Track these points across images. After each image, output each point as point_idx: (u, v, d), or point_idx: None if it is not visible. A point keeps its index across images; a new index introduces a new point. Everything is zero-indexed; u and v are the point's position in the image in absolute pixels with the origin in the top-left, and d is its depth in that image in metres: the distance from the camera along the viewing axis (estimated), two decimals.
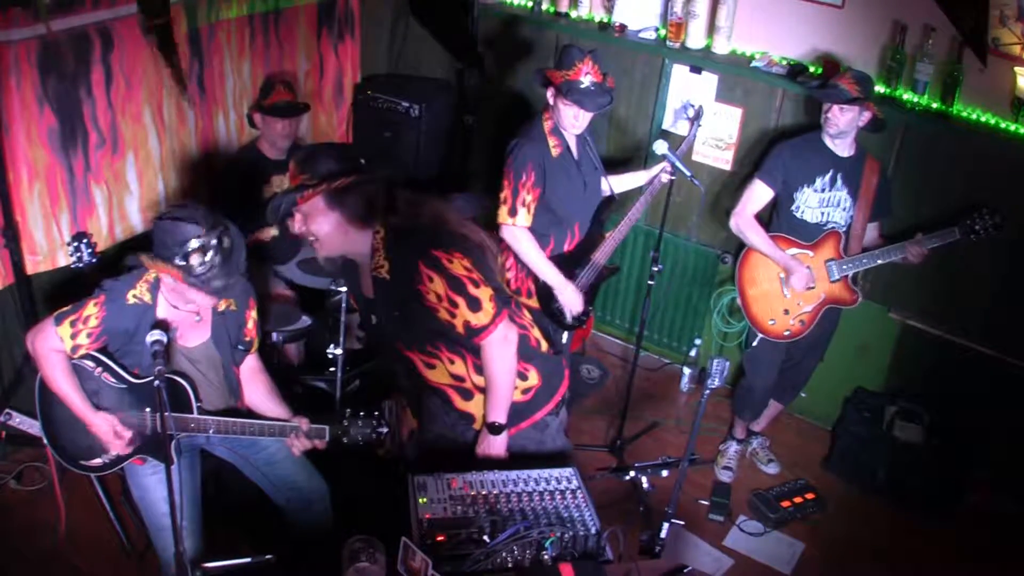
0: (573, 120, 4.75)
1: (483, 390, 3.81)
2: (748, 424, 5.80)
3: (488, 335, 3.63)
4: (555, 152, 4.82)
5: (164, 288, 3.76)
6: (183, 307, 3.80)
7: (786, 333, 5.23)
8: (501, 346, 3.68)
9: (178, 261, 3.55)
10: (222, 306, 3.99)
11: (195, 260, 3.54)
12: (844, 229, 5.06)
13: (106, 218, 5.22)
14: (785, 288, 5.15)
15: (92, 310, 3.73)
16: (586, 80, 4.62)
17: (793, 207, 5.06)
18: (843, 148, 4.95)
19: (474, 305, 3.57)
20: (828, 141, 4.94)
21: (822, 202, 5.02)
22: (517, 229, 4.85)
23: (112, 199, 5.22)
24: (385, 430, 4.02)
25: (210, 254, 3.56)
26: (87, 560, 4.70)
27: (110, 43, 4.92)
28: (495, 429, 3.82)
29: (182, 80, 5.39)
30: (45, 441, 4.08)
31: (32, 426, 4.24)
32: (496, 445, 3.86)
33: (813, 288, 5.12)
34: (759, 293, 5.23)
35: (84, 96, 4.91)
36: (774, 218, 5.22)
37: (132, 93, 5.14)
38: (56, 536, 4.71)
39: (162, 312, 3.81)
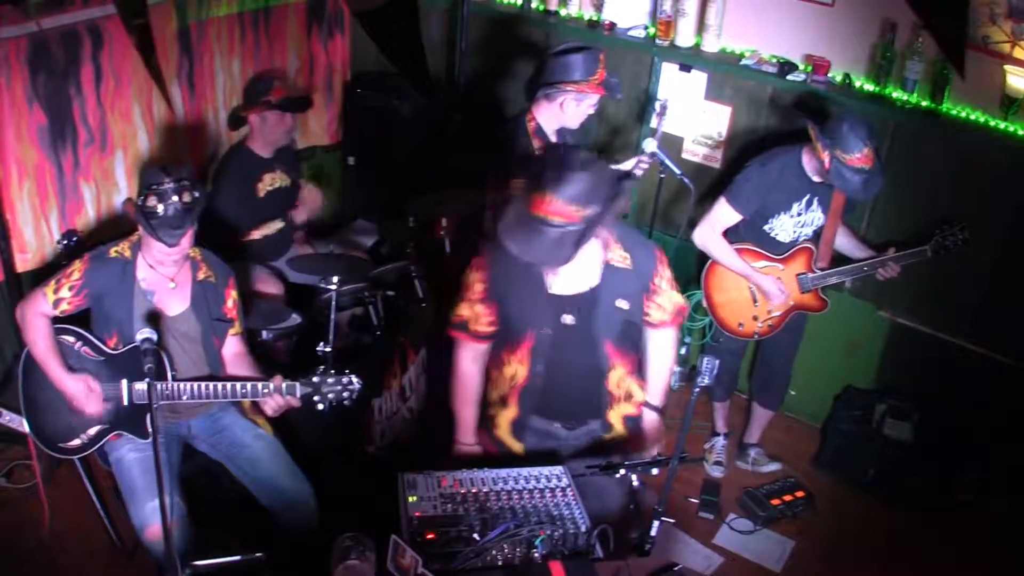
0: (585, 115, 4.82)
1: (625, 398, 4.03)
2: (724, 406, 5.80)
3: (685, 314, 4.08)
4: (539, 154, 4.81)
5: (143, 247, 3.98)
6: (159, 268, 3.99)
7: (755, 335, 5.26)
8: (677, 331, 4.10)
9: (139, 201, 3.83)
10: (200, 275, 4.16)
11: (151, 202, 3.80)
12: (813, 238, 5.06)
13: (95, 216, 5.22)
14: (755, 298, 5.15)
15: (76, 265, 3.99)
16: (605, 74, 4.72)
17: (766, 227, 5.01)
18: (820, 176, 4.83)
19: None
20: (806, 165, 4.83)
21: (796, 224, 4.98)
22: None
23: (101, 197, 5.21)
24: (357, 386, 4.05)
25: (166, 201, 3.79)
26: (77, 558, 4.69)
27: (100, 41, 4.91)
28: (663, 411, 4.07)
29: (161, 81, 5.37)
30: (27, 427, 4.20)
31: (21, 424, 4.25)
32: (662, 425, 4.17)
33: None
34: (727, 300, 5.23)
35: (74, 94, 4.90)
36: (743, 228, 5.11)
37: (122, 91, 5.14)
38: (44, 533, 4.71)
39: (141, 271, 4.01)
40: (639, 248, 3.79)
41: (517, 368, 3.91)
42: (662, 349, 4.06)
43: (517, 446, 4.06)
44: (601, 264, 3.73)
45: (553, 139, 4.92)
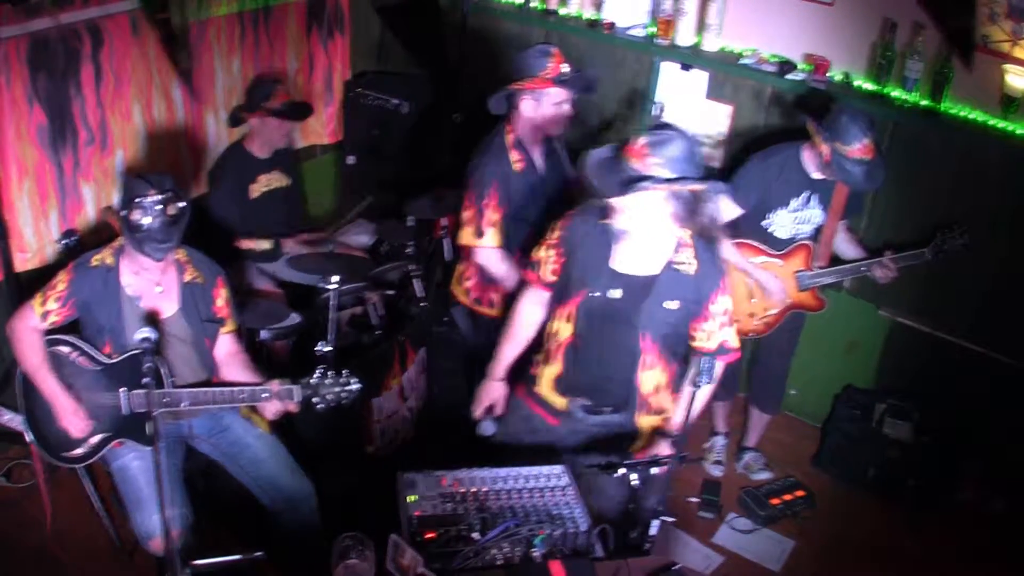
0: (563, 117, 4.67)
1: (658, 412, 4.04)
2: (724, 406, 5.77)
3: (731, 359, 4.00)
4: (517, 167, 4.71)
5: (125, 253, 3.95)
6: (143, 274, 3.96)
7: (751, 334, 5.23)
8: (722, 370, 4.00)
9: (123, 213, 3.78)
10: (187, 277, 4.12)
11: (135, 216, 3.75)
12: (812, 236, 5.06)
13: (95, 215, 5.22)
14: (752, 294, 5.14)
15: (61, 277, 3.95)
16: (566, 68, 4.57)
17: (765, 223, 5.00)
18: (820, 173, 4.83)
19: (736, 332, 3.94)
20: (806, 161, 4.83)
21: (795, 220, 4.97)
22: (487, 250, 4.74)
23: (101, 196, 5.22)
24: (356, 387, 4.02)
25: (151, 214, 3.75)
26: (77, 557, 4.69)
27: (100, 41, 4.92)
28: (676, 441, 3.98)
29: (188, 73, 5.39)
30: (29, 436, 4.19)
31: (21, 423, 4.26)
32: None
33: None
34: None
35: (74, 94, 4.91)
36: (741, 223, 5.06)
37: (121, 91, 5.14)
38: (44, 533, 4.71)
39: (125, 278, 3.98)
40: (710, 265, 3.80)
41: (563, 325, 3.95)
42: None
43: (560, 401, 4.09)
44: (666, 260, 3.75)
45: (535, 149, 4.80)
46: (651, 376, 3.92)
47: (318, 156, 6.96)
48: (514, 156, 4.72)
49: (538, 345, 4.19)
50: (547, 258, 3.98)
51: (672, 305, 3.76)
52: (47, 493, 4.65)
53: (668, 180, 3.47)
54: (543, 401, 4.14)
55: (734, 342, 3.94)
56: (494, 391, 4.29)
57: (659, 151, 3.48)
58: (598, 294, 3.80)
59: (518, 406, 4.26)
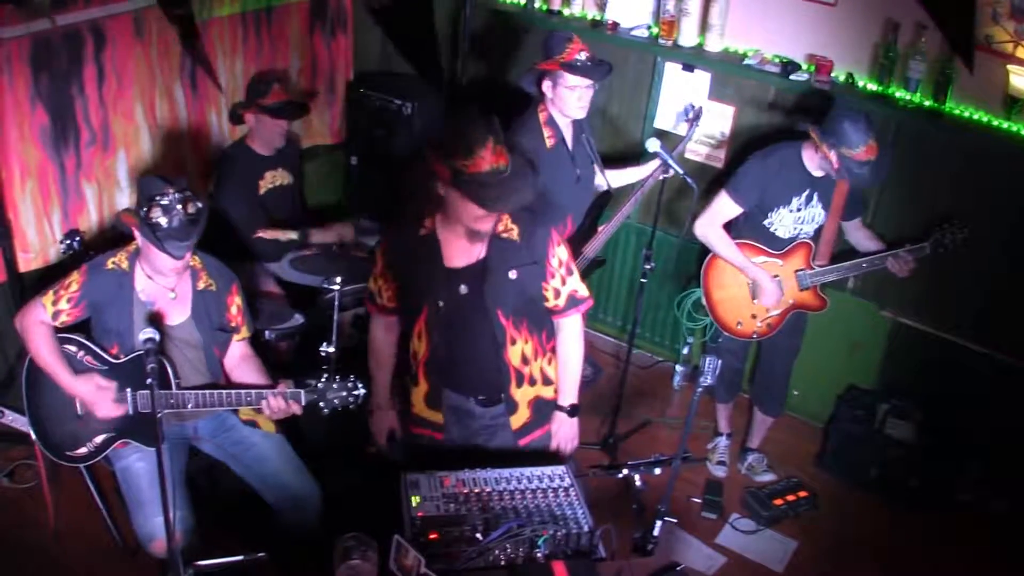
0: (578, 102, 4.76)
1: (534, 381, 4.02)
2: (727, 407, 5.77)
3: (585, 308, 4.01)
4: (549, 143, 4.82)
5: (141, 257, 3.95)
6: (157, 279, 3.96)
7: (753, 335, 5.22)
8: (582, 324, 4.07)
9: (142, 212, 3.76)
10: (201, 284, 4.12)
11: (155, 214, 3.74)
12: (813, 236, 5.06)
13: (97, 215, 5.22)
14: (754, 296, 5.13)
15: (74, 277, 3.95)
16: (582, 56, 4.66)
17: (766, 222, 4.99)
18: (820, 171, 4.83)
19: (579, 279, 3.97)
20: (807, 160, 4.83)
21: (796, 220, 4.96)
22: None
23: (103, 196, 5.22)
24: (362, 392, 4.03)
25: (171, 212, 3.75)
26: (80, 557, 4.69)
27: (102, 41, 4.92)
28: (574, 411, 4.08)
29: (209, 67, 5.40)
30: (33, 436, 4.19)
31: (24, 423, 4.26)
32: (576, 427, 4.19)
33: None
34: (726, 296, 5.20)
35: (76, 94, 4.91)
36: (743, 223, 5.10)
37: (124, 91, 5.14)
38: (47, 533, 4.72)
39: (139, 282, 3.98)
40: (530, 224, 3.83)
41: (420, 343, 3.96)
42: (563, 341, 4.07)
43: (436, 415, 4.06)
44: (490, 236, 3.76)
45: (568, 131, 4.91)
46: (516, 349, 3.92)
47: (321, 157, 6.96)
48: (547, 132, 4.86)
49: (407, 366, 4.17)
50: (380, 287, 4.02)
51: (513, 274, 3.79)
52: (50, 493, 4.65)
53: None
54: (421, 420, 4.12)
55: (583, 291, 3.99)
56: (385, 419, 4.24)
57: (500, 140, 3.52)
58: (442, 303, 3.83)
59: (404, 435, 4.26)
